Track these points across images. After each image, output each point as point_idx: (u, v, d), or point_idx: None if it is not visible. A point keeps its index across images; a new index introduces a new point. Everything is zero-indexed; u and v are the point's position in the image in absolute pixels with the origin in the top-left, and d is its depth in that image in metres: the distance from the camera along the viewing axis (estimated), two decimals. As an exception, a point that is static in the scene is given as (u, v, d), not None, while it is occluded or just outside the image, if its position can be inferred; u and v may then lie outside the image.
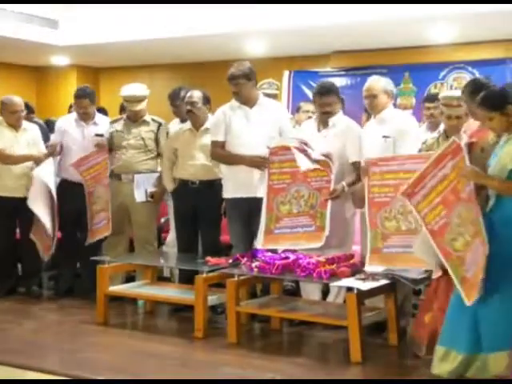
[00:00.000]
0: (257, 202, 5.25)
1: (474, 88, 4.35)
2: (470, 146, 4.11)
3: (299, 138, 5.20)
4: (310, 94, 7.19)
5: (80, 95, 6.27)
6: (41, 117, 8.15)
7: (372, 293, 4.57)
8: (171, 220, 6.22)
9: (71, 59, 9.99)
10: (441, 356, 4.00)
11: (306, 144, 5.10)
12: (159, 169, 6.08)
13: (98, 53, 9.42)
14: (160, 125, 6.13)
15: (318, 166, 5.05)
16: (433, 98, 5.96)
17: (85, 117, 6.27)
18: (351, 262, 4.78)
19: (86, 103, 6.23)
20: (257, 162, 5.24)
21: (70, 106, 7.11)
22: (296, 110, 6.86)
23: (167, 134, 6.09)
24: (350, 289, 4.43)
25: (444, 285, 4.26)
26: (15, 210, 6.16)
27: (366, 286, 4.43)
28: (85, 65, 10.47)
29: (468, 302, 3.85)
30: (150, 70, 10.23)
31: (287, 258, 4.83)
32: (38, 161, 6.16)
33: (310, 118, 5.73)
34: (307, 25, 7.47)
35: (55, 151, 6.21)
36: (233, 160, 5.38)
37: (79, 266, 6.44)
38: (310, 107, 6.03)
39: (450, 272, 3.93)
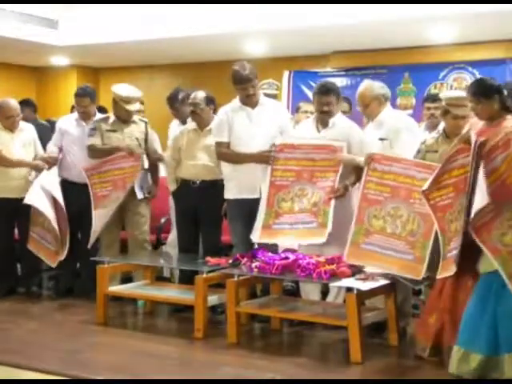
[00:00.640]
0: (258, 203, 5.25)
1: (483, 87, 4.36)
2: (481, 144, 4.11)
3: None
4: (309, 94, 7.19)
5: (80, 94, 6.28)
6: (41, 117, 8.17)
7: (372, 293, 4.57)
8: (172, 220, 6.23)
9: (71, 59, 9.99)
10: (460, 356, 3.95)
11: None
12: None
13: (98, 53, 9.42)
14: (146, 123, 6.18)
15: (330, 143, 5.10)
16: (433, 98, 5.96)
17: (85, 116, 6.28)
18: (351, 262, 4.78)
19: (86, 102, 6.24)
20: (266, 157, 5.23)
21: (73, 107, 7.12)
22: (296, 109, 6.87)
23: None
24: (349, 289, 4.43)
25: (450, 285, 4.25)
26: (13, 210, 6.17)
27: (365, 286, 4.44)
28: (85, 65, 10.48)
29: None
30: (150, 70, 10.24)
31: (287, 258, 4.83)
32: (34, 168, 6.16)
33: (308, 118, 5.73)
34: (307, 25, 7.48)
35: (56, 162, 6.20)
36: (240, 159, 5.37)
37: (79, 266, 6.45)
38: (310, 107, 6.03)
39: (498, 269, 3.83)
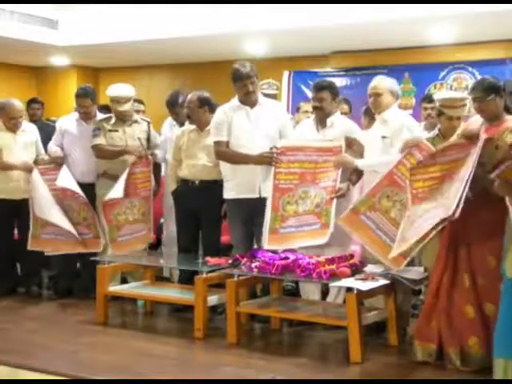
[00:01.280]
0: (258, 202, 5.24)
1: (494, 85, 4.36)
2: (485, 141, 4.13)
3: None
4: (309, 94, 7.18)
5: (81, 95, 6.26)
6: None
7: (372, 293, 4.57)
8: (168, 220, 6.23)
9: (71, 59, 10.00)
10: (504, 368, 3.77)
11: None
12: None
13: (98, 53, 9.42)
14: (149, 123, 6.18)
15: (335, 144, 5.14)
16: (430, 98, 5.98)
17: (86, 116, 6.27)
18: (351, 262, 4.78)
19: (87, 103, 6.23)
20: (266, 158, 5.21)
21: (78, 106, 7.12)
22: (296, 110, 6.88)
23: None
24: (349, 289, 4.43)
25: (446, 286, 4.25)
26: (13, 211, 6.18)
27: (365, 286, 4.43)
28: (85, 65, 10.48)
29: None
30: (150, 70, 10.24)
31: (287, 258, 4.83)
32: (25, 170, 6.13)
33: (308, 117, 5.73)
34: (307, 25, 7.48)
35: (63, 161, 6.19)
36: (240, 159, 5.35)
37: (79, 266, 6.44)
38: (310, 107, 6.04)
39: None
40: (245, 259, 4.99)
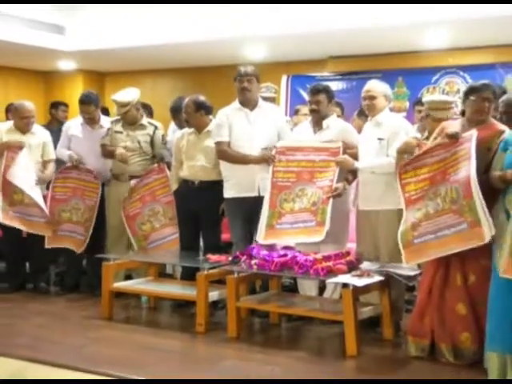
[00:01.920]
0: (257, 201, 5.26)
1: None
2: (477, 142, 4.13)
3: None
4: (307, 97, 7.19)
5: (85, 102, 6.26)
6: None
7: (367, 289, 4.57)
8: None
9: (77, 64, 9.98)
10: (501, 361, 3.81)
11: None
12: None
13: (103, 58, 9.41)
14: (156, 128, 6.15)
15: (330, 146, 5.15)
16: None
17: (90, 122, 6.28)
18: (347, 259, 4.77)
19: (91, 109, 6.24)
20: (266, 156, 5.25)
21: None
22: (294, 112, 6.87)
23: (163, 136, 6.19)
24: (345, 285, 4.43)
25: (438, 284, 4.25)
26: None
27: (361, 282, 4.43)
28: (90, 69, 10.47)
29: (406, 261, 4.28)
30: (154, 74, 10.23)
31: (285, 255, 4.83)
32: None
33: (306, 120, 5.73)
34: (305, 31, 7.47)
35: (80, 162, 6.22)
36: (240, 159, 5.37)
37: (85, 263, 6.44)
38: (307, 110, 6.04)
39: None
40: (244, 257, 4.99)
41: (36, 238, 6.11)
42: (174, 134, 6.24)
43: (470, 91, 4.32)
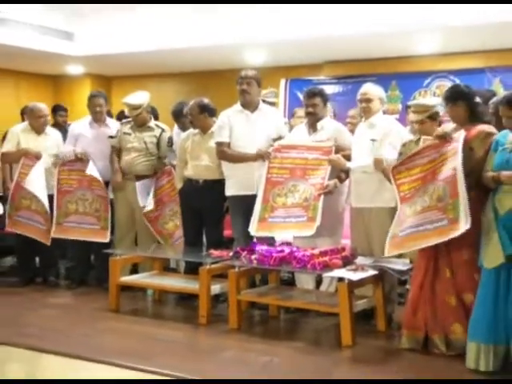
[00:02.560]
0: (256, 199, 5.25)
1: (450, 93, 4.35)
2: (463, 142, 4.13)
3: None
4: (303, 100, 7.20)
5: (95, 95, 6.35)
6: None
7: (361, 283, 4.57)
8: None
9: (85, 68, 9.99)
10: (476, 352, 3.85)
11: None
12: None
13: (111, 62, 9.41)
14: (163, 130, 6.16)
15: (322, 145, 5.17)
16: None
17: (99, 116, 6.27)
18: (342, 254, 4.78)
19: (101, 101, 6.27)
20: (262, 152, 5.27)
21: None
22: (291, 115, 6.87)
23: (169, 138, 6.17)
24: (341, 279, 4.44)
25: (429, 278, 4.25)
26: None
27: (356, 276, 4.44)
28: (98, 73, 10.47)
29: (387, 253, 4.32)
30: (158, 78, 10.22)
31: (283, 250, 4.83)
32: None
33: (302, 122, 5.74)
34: (303, 37, 7.48)
35: (87, 156, 6.17)
36: (239, 158, 5.38)
37: (93, 258, 6.45)
38: (304, 113, 6.04)
39: None
40: (245, 252, 5.00)
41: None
42: (179, 137, 6.24)
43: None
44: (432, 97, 7.86)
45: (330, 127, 5.29)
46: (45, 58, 9.00)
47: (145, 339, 4.67)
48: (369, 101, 5.02)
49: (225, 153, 5.44)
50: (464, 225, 3.91)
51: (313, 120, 5.29)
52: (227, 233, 5.89)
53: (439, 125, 4.59)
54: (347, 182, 5.22)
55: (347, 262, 4.68)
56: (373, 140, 4.98)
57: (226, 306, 5.04)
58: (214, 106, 5.75)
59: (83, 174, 6.09)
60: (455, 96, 4.26)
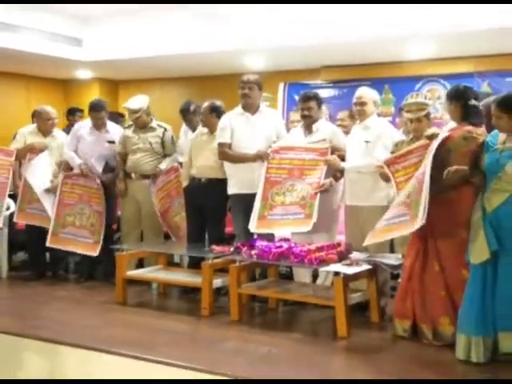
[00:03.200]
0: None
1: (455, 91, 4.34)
2: (442, 142, 4.12)
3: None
4: (299, 104, 7.21)
5: (97, 109, 6.23)
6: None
7: (356, 276, 4.58)
8: None
9: (93, 73, 10.00)
10: (465, 344, 3.84)
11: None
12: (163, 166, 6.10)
13: (117, 67, 9.42)
14: (165, 130, 6.15)
15: (318, 146, 5.17)
16: None
17: (101, 126, 6.27)
18: (338, 249, 4.78)
19: (102, 115, 6.25)
20: (261, 153, 5.28)
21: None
22: (288, 118, 6.87)
23: (172, 137, 6.18)
24: (337, 273, 4.44)
25: (417, 270, 4.25)
26: None
27: (350, 270, 4.45)
28: (105, 78, 10.48)
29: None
30: (162, 82, 10.24)
31: (282, 246, 4.83)
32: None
33: (295, 126, 5.75)
34: (301, 43, 7.49)
35: (89, 170, 6.16)
36: (239, 158, 5.38)
37: (100, 253, 6.44)
38: (298, 117, 6.03)
39: None
40: (245, 247, 5.00)
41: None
42: (186, 136, 6.26)
43: None
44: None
45: (325, 129, 5.30)
46: (55, 63, 9.01)
47: (149, 330, 4.68)
48: (363, 104, 5.03)
49: (226, 153, 5.45)
50: (419, 220, 3.91)
51: (308, 122, 5.30)
52: (228, 229, 5.89)
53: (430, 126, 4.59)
54: (342, 180, 5.22)
55: (342, 257, 4.68)
56: (367, 141, 4.99)
57: (228, 298, 5.04)
58: (223, 108, 5.75)
59: (85, 188, 6.11)
60: (451, 95, 4.27)
